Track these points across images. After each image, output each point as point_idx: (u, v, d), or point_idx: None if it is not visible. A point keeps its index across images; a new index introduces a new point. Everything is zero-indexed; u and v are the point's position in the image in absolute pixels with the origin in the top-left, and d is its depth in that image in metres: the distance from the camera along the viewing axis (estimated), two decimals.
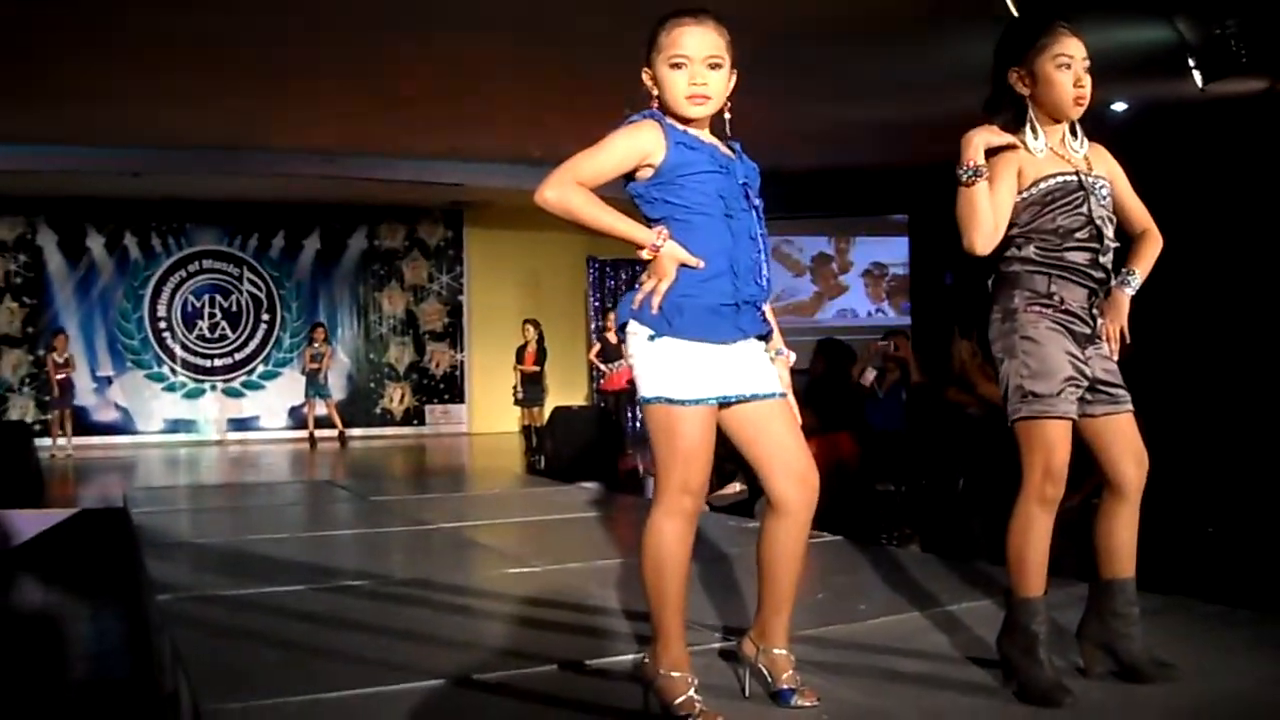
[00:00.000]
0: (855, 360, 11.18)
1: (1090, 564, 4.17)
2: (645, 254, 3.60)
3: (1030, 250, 3.93)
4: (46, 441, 17.33)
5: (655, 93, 3.74)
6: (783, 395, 3.80)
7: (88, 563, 10.28)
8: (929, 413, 10.36)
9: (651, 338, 3.60)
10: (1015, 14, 9.22)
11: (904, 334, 12.27)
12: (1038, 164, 3.94)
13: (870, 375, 11.16)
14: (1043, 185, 3.92)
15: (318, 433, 19.67)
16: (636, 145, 3.64)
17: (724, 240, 3.62)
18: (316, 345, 19.80)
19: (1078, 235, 3.91)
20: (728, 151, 3.77)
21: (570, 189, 3.62)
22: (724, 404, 3.66)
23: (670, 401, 3.56)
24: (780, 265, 20.03)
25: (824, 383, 9.69)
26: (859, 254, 20.12)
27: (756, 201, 3.77)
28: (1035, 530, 3.95)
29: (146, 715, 5.74)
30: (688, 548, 3.66)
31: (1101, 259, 3.95)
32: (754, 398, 3.69)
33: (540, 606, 5.38)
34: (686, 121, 3.72)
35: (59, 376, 18.61)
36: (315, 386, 19.74)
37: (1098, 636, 4.05)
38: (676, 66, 3.65)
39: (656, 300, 3.55)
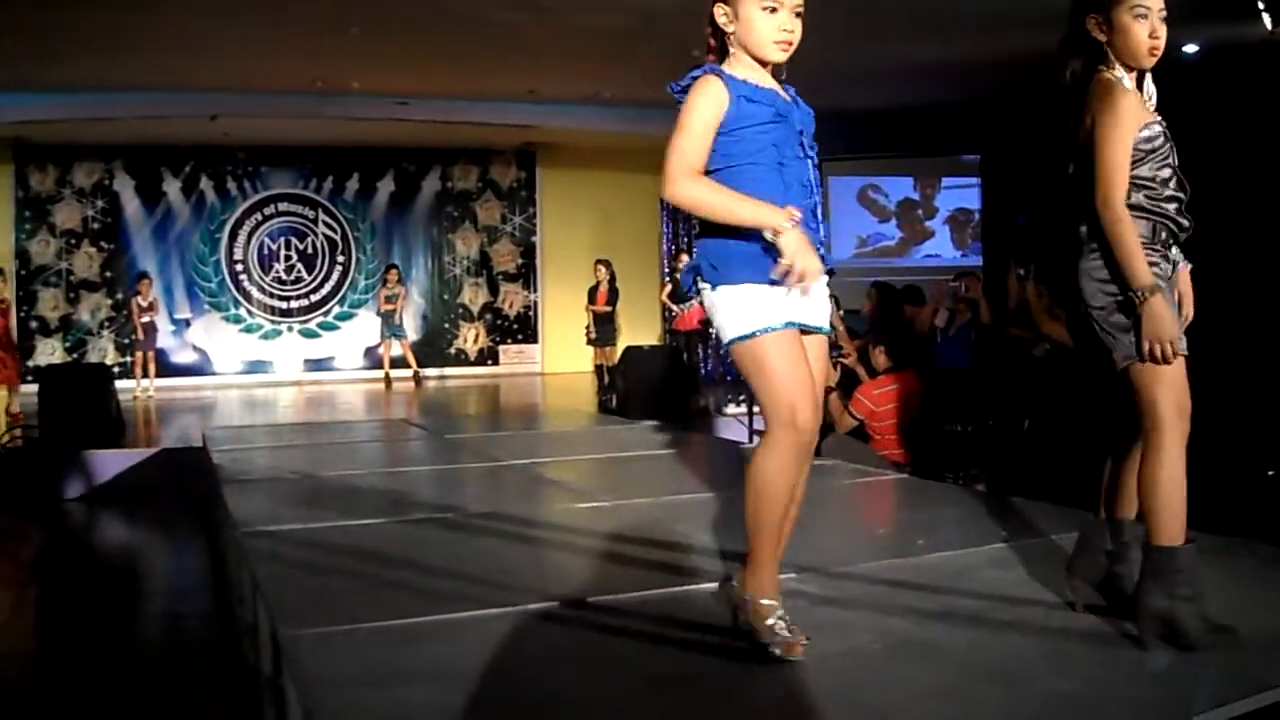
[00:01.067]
0: (923, 301, 11.20)
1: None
2: (769, 235, 3.54)
3: (1140, 197, 3.93)
4: (127, 384, 17.54)
5: (730, 30, 3.73)
6: (828, 333, 3.89)
7: (169, 500, 10.49)
8: (996, 353, 10.37)
9: (714, 287, 3.67)
10: None
11: (975, 275, 12.26)
12: (1141, 112, 3.92)
13: (943, 316, 11.18)
14: (1143, 133, 3.90)
15: (393, 373, 19.83)
16: (716, 105, 3.63)
17: (776, 189, 3.64)
18: (390, 286, 19.95)
19: (1170, 185, 3.93)
20: (786, 97, 3.79)
21: (691, 183, 3.63)
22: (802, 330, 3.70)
23: (752, 335, 3.62)
24: (866, 211, 20.00)
25: (881, 324, 9.72)
26: (944, 200, 20.00)
27: (811, 150, 3.79)
28: (1183, 471, 3.87)
29: (227, 645, 5.91)
30: (788, 480, 3.69)
31: (1184, 208, 3.98)
32: (812, 330, 3.76)
33: (609, 540, 5.48)
34: (764, 64, 3.75)
35: (144, 320, 18.74)
36: (390, 327, 19.90)
37: (1087, 571, 4.13)
38: (769, 10, 3.67)
39: (793, 281, 3.53)
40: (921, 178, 19.88)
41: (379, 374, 20.22)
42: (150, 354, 18.90)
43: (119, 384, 13.80)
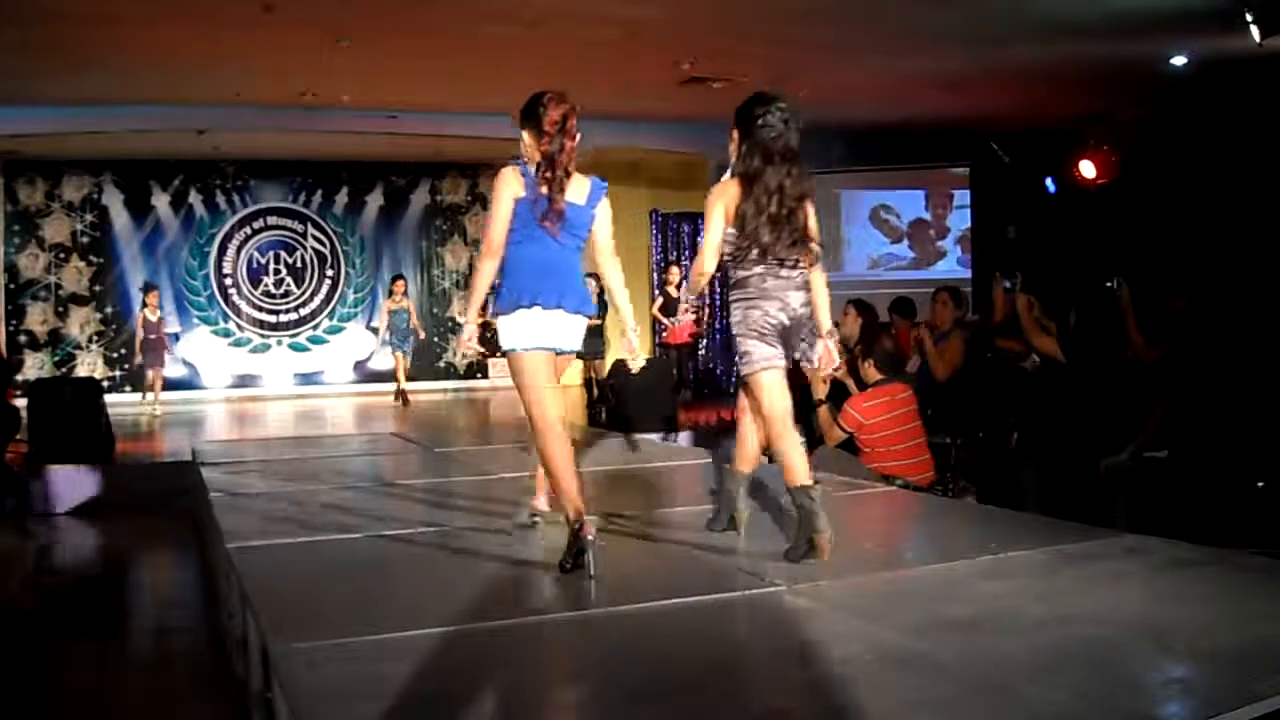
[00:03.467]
0: (914, 314, 11.19)
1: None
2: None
3: None
4: (114, 398, 17.39)
5: None
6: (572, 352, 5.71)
7: (158, 514, 10.47)
8: (985, 366, 10.39)
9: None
10: None
11: (951, 288, 12.14)
12: None
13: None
14: None
15: (379, 386, 19.67)
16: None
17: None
18: (398, 300, 19.65)
19: None
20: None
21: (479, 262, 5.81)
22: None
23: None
24: (879, 231, 19.98)
25: (866, 339, 9.66)
26: (955, 219, 19.90)
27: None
28: None
29: (216, 658, 5.90)
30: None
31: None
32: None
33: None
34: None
35: (152, 335, 18.08)
36: (399, 339, 19.55)
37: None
38: None
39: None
40: (933, 195, 19.80)
41: (368, 388, 20.15)
42: (157, 370, 18.30)
43: (123, 398, 13.78)
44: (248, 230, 21.46)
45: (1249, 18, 11.57)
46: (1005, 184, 18.51)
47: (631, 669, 3.77)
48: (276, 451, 10.53)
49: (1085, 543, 5.31)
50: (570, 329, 5.60)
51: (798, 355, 5.59)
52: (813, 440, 9.52)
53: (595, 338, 17.89)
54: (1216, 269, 13.46)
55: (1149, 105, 14.75)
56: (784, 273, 5.46)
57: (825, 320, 5.56)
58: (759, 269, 5.46)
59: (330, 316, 21.88)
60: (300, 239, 21.74)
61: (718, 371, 20.94)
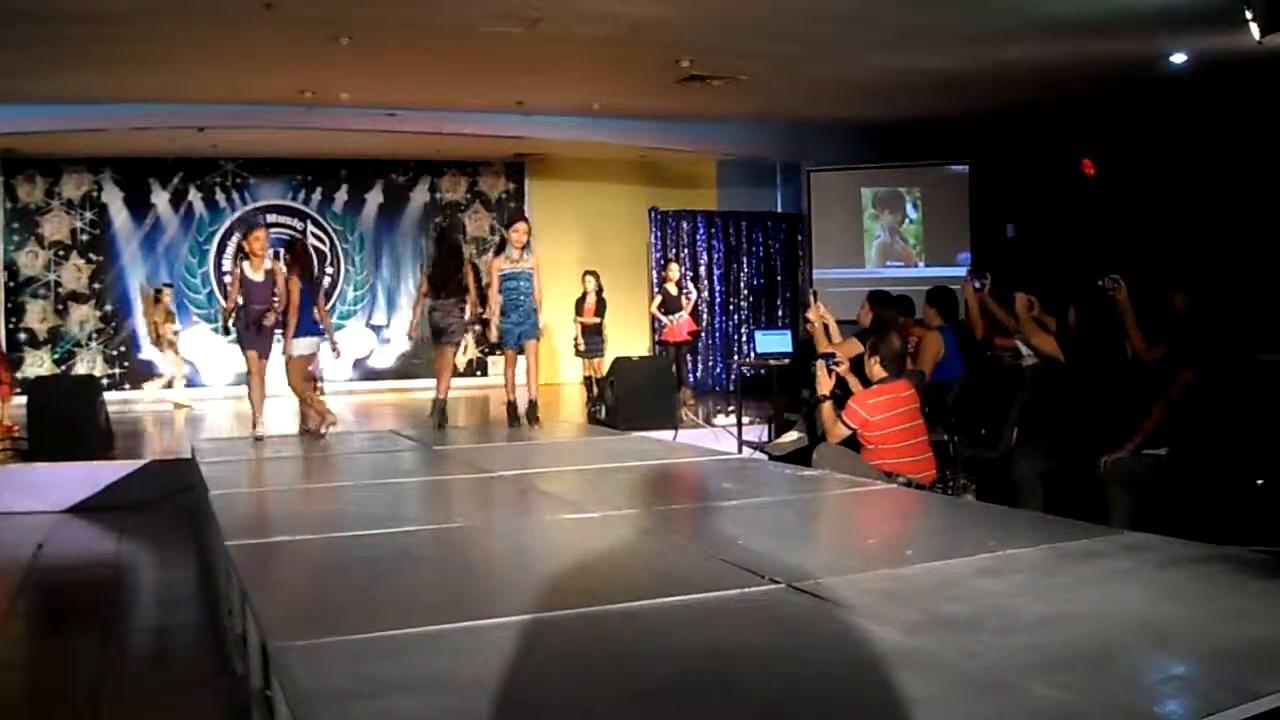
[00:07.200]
0: (913, 312, 11.18)
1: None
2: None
3: None
4: (113, 395, 17.36)
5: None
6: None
7: (158, 511, 10.47)
8: (985, 364, 10.39)
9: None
10: None
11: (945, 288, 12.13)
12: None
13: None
14: None
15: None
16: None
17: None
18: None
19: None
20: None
21: (289, 317, 11.92)
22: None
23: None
24: (877, 228, 20.02)
25: (875, 333, 9.65)
26: (955, 219, 19.82)
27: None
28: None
29: (216, 656, 5.90)
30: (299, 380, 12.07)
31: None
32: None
33: (597, 551, 5.48)
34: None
35: (256, 305, 11.87)
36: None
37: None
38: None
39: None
40: (931, 193, 19.78)
41: (368, 385, 20.15)
42: (259, 359, 12.11)
43: (110, 395, 13.77)
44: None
45: (1248, 15, 11.57)
46: (1005, 183, 18.50)
47: (631, 667, 3.77)
48: (276, 449, 10.53)
49: (1084, 540, 5.30)
50: (312, 344, 12.08)
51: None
52: (814, 436, 9.54)
53: (595, 336, 17.94)
54: (1216, 267, 13.46)
55: (1149, 104, 14.77)
56: (451, 304, 12.76)
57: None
58: (444, 303, 12.48)
59: (330, 314, 21.83)
60: (300, 236, 21.73)
61: (716, 370, 20.95)
